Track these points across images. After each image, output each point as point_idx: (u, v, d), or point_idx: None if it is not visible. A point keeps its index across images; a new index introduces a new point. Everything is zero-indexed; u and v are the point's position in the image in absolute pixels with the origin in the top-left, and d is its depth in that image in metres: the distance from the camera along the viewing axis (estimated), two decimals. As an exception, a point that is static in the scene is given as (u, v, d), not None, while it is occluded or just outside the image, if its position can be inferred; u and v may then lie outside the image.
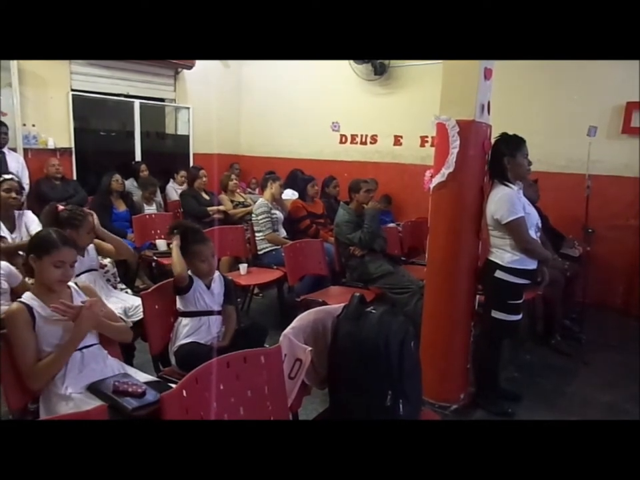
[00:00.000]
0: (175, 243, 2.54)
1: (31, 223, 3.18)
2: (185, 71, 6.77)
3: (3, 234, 3.04)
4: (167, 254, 3.95)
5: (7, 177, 3.16)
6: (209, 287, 2.49)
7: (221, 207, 5.24)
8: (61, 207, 2.68)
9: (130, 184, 5.56)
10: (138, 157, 6.34)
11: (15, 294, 2.24)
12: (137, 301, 2.65)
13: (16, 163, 4.74)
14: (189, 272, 2.47)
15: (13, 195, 3.11)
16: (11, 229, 3.12)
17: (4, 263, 2.31)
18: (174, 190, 5.95)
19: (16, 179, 3.25)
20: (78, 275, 2.57)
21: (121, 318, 2.41)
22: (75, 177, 5.69)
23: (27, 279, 2.30)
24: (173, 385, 1.75)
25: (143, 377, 2.00)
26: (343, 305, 1.96)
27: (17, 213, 3.18)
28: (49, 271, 1.90)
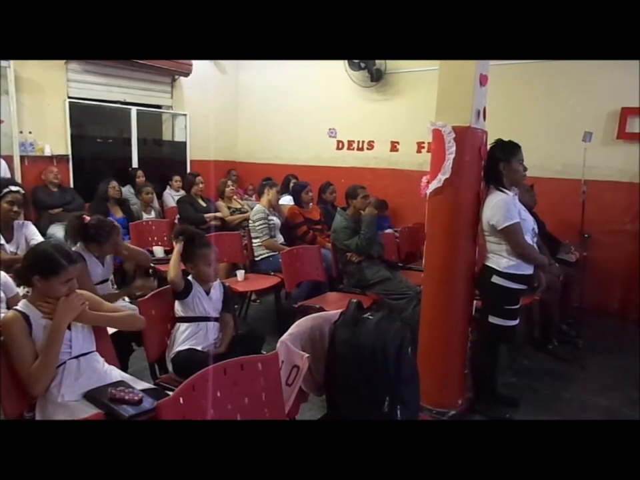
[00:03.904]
0: (176, 249, 2.56)
1: (32, 236, 3.17)
2: (181, 77, 6.78)
3: (0, 242, 3.04)
4: (164, 261, 3.95)
5: (13, 188, 3.13)
6: (207, 292, 2.51)
7: (218, 214, 5.24)
8: (87, 218, 2.66)
9: (127, 191, 5.56)
10: (135, 164, 6.34)
11: (9, 305, 2.23)
12: (134, 307, 2.65)
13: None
14: (189, 277, 2.50)
15: (15, 208, 3.10)
16: (9, 239, 3.11)
17: (2, 273, 2.31)
18: (171, 196, 5.95)
19: (22, 191, 3.21)
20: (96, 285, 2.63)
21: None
22: (72, 184, 5.69)
23: (21, 287, 2.29)
24: (170, 393, 1.74)
25: (139, 384, 2.00)
26: (340, 311, 1.95)
27: (16, 223, 3.17)
28: (57, 289, 1.88)
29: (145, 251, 2.99)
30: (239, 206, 5.59)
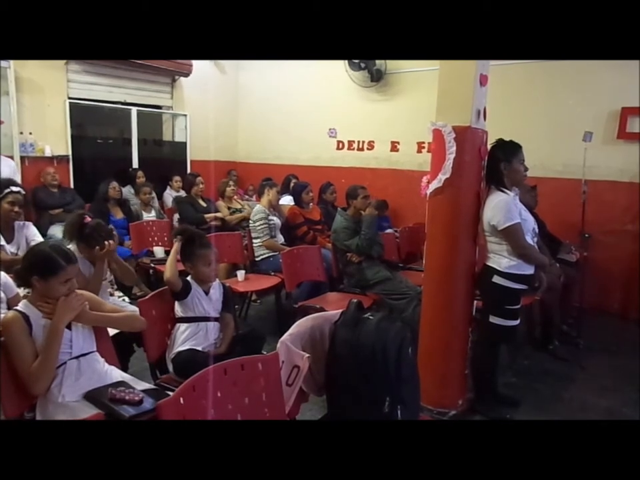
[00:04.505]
0: (174, 248, 2.56)
1: (33, 236, 3.17)
2: (181, 78, 6.78)
3: (1, 243, 3.04)
4: (164, 261, 3.95)
5: (14, 189, 3.13)
6: (207, 293, 2.50)
7: (218, 214, 5.24)
8: (88, 219, 2.66)
9: (127, 191, 5.56)
10: (135, 165, 6.34)
11: (9, 306, 2.23)
12: (134, 308, 2.64)
13: (8, 168, 4.74)
14: (188, 277, 2.49)
15: (16, 208, 3.09)
16: (9, 240, 3.11)
17: (2, 273, 2.31)
18: (171, 197, 5.95)
19: (22, 191, 3.21)
20: None
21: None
22: (72, 185, 5.69)
23: (21, 288, 2.29)
24: (171, 393, 1.74)
25: (140, 384, 2.00)
26: (340, 311, 1.96)
27: (17, 224, 3.16)
28: (56, 289, 1.88)
29: (134, 271, 2.96)
30: (238, 206, 5.59)
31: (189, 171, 6.74)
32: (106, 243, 2.57)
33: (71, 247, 2.58)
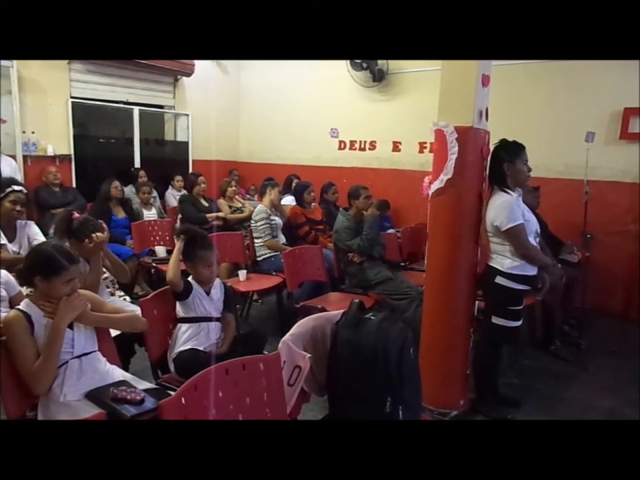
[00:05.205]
0: (176, 248, 2.56)
1: (35, 235, 3.17)
2: (184, 78, 6.80)
3: (2, 241, 3.04)
4: (166, 260, 3.95)
5: (16, 188, 3.12)
6: (208, 293, 2.50)
7: (220, 214, 5.25)
8: (76, 215, 2.66)
9: (129, 190, 5.57)
10: (137, 164, 6.36)
11: (12, 304, 2.24)
12: (136, 308, 2.65)
13: (9, 167, 4.75)
14: (190, 278, 2.49)
15: (18, 207, 3.09)
16: (11, 239, 3.11)
17: (3, 272, 2.31)
18: (172, 196, 5.96)
19: (25, 190, 3.19)
20: None
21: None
22: (74, 184, 5.70)
23: (24, 287, 2.29)
24: (172, 393, 1.74)
25: (141, 384, 2.00)
26: (342, 311, 1.95)
27: (19, 223, 3.16)
28: (58, 289, 1.88)
29: (127, 268, 2.95)
30: (239, 205, 5.60)
31: (190, 170, 6.76)
32: (93, 235, 2.52)
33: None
